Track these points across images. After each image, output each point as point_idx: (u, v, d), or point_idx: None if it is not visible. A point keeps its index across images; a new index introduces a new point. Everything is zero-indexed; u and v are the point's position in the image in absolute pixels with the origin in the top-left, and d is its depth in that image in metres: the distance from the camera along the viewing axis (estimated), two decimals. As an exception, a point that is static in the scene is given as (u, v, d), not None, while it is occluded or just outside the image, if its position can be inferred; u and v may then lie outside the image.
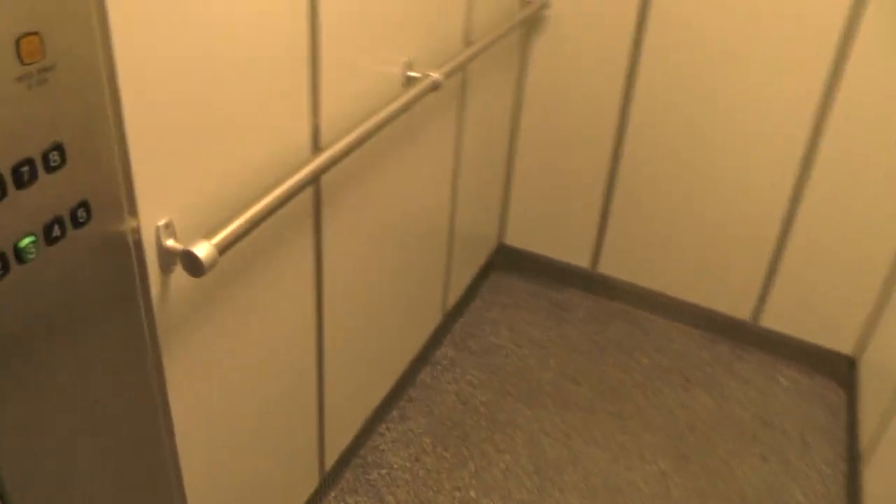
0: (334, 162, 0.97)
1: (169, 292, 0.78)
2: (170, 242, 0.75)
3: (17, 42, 0.50)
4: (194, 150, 0.76)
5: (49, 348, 0.61)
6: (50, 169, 0.55)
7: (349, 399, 1.36)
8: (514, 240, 2.02)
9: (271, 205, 0.84)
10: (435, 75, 1.19)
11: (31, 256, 0.56)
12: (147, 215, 0.71)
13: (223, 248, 0.76)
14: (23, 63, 0.51)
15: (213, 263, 0.74)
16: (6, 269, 0.54)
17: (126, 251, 0.67)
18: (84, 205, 0.60)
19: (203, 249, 0.73)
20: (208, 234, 0.75)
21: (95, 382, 0.68)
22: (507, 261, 2.05)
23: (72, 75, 0.55)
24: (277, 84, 0.87)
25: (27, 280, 0.56)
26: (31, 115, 0.53)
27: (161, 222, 0.73)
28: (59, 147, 0.56)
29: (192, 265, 0.73)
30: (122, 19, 0.61)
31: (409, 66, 1.19)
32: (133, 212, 0.69)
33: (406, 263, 1.45)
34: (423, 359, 1.70)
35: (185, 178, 0.76)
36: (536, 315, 1.91)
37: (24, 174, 0.53)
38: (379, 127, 1.07)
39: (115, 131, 0.64)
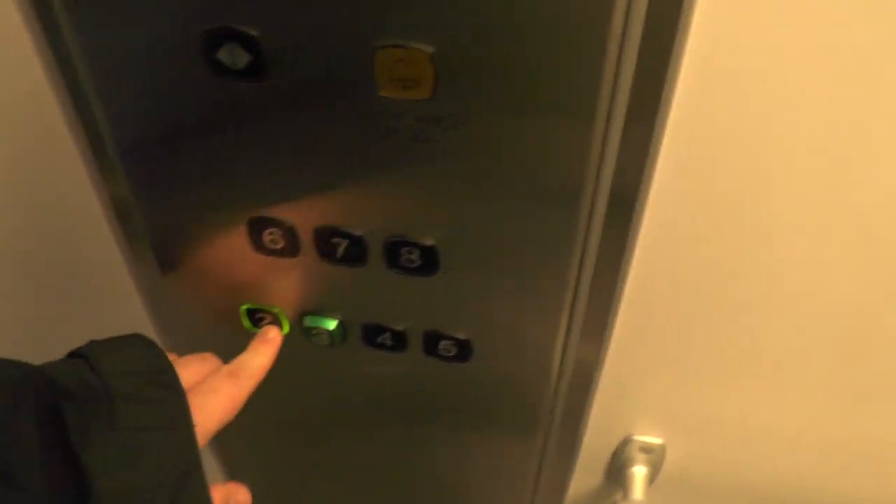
0: None
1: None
2: (638, 471, 0.41)
3: (374, 53, 0.26)
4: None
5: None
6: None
7: None
8: None
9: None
10: None
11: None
12: (606, 416, 0.39)
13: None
14: (379, 91, 0.27)
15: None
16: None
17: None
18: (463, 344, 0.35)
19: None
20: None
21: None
22: None
23: (488, 140, 0.29)
24: None
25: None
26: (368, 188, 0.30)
27: (642, 437, 0.40)
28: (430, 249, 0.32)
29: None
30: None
31: None
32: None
33: None
34: None
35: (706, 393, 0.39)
36: None
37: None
38: None
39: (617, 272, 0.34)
